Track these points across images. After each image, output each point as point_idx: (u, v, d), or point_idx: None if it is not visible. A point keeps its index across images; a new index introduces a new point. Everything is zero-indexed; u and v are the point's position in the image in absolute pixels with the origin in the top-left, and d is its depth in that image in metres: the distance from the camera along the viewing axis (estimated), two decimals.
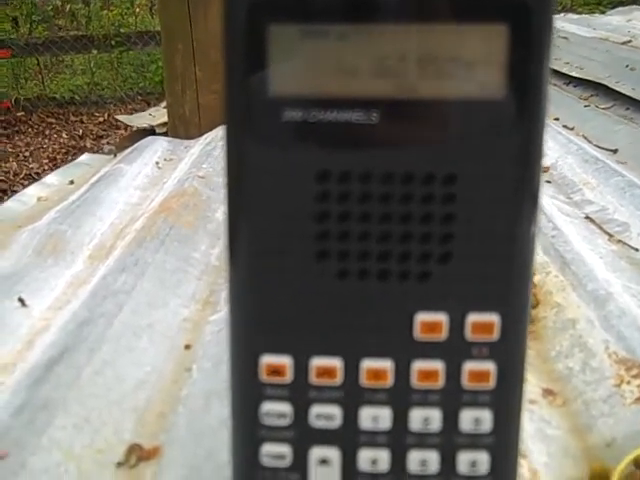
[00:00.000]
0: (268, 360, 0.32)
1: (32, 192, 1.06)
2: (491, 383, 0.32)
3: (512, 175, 0.30)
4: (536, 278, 0.64)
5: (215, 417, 0.48)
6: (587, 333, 0.54)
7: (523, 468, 0.42)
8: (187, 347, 0.58)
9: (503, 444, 0.32)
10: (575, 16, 2.92)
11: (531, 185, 0.30)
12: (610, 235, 0.75)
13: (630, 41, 1.97)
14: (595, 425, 0.46)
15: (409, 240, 0.30)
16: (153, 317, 0.61)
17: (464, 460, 0.32)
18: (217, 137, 1.20)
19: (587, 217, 0.81)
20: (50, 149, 3.83)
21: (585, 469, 0.43)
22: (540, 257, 0.68)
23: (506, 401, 0.32)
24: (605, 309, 0.57)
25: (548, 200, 0.85)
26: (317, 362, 0.32)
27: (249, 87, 0.29)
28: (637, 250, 0.70)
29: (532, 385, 0.50)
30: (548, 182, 0.96)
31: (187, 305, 0.65)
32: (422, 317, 0.31)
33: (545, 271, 0.65)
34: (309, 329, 0.31)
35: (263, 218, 0.31)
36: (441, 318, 0.31)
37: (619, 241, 0.74)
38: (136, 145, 1.23)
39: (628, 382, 0.48)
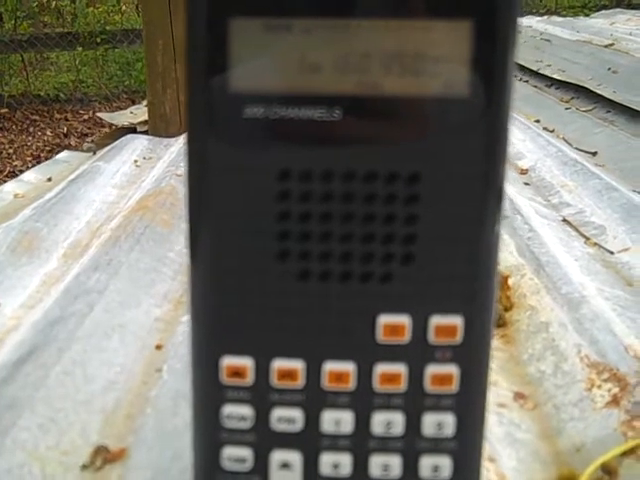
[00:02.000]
0: (229, 362, 0.31)
1: (9, 189, 1.05)
2: (454, 387, 0.31)
3: (477, 174, 0.30)
4: (511, 280, 0.64)
5: (183, 419, 0.47)
6: (560, 336, 0.54)
7: (490, 472, 0.42)
8: (158, 347, 0.57)
9: (466, 448, 0.32)
10: (559, 19, 2.94)
11: (496, 184, 0.30)
12: (586, 238, 0.75)
13: (613, 44, 1.98)
14: (565, 429, 0.46)
15: (371, 241, 0.30)
16: (125, 317, 0.61)
17: (427, 464, 0.32)
18: None
19: (564, 220, 0.81)
20: (34, 147, 3.81)
21: (554, 474, 0.43)
22: (515, 259, 0.68)
23: (469, 405, 0.32)
24: (578, 312, 0.56)
25: (526, 202, 0.85)
26: (279, 364, 0.31)
27: (210, 83, 0.29)
28: (612, 253, 0.70)
29: (503, 389, 0.50)
30: (527, 184, 0.96)
31: (160, 305, 0.64)
32: (385, 319, 0.31)
33: (520, 273, 0.65)
34: (270, 330, 0.31)
35: (224, 217, 0.30)
36: (404, 320, 0.31)
37: (595, 244, 0.74)
38: (115, 143, 1.22)
39: (599, 386, 0.48)
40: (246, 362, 0.31)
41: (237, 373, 0.31)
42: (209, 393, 0.32)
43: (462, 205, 0.30)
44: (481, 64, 0.28)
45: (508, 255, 0.70)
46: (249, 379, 0.31)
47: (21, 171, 3.36)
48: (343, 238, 0.30)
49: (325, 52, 0.28)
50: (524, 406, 0.48)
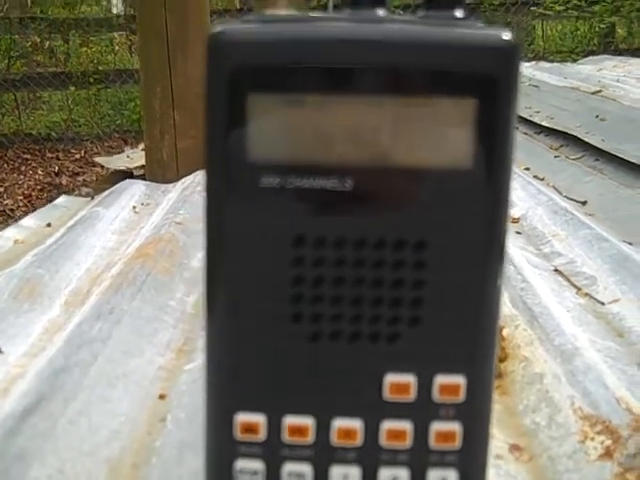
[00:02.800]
0: (243, 418, 0.33)
1: (9, 235, 1.06)
2: (457, 443, 0.33)
3: (480, 240, 0.31)
4: (505, 331, 0.65)
5: (188, 468, 0.48)
6: (554, 388, 0.56)
7: None
8: (162, 397, 0.58)
9: None
10: (547, 64, 2.99)
11: (498, 248, 0.32)
12: (578, 288, 0.77)
13: (600, 91, 2.02)
14: None
15: (380, 304, 0.31)
16: (128, 366, 0.62)
17: None
18: (194, 182, 1.21)
19: (556, 269, 0.83)
20: (25, 185, 3.82)
21: None
22: (509, 310, 0.70)
23: (471, 461, 0.33)
24: (571, 364, 0.58)
25: (518, 252, 0.87)
26: (290, 421, 0.32)
27: (228, 152, 0.31)
28: (603, 304, 0.72)
29: (499, 440, 0.51)
30: (518, 233, 0.98)
31: (162, 354, 0.65)
32: (391, 378, 0.32)
33: (514, 324, 0.67)
34: (282, 388, 0.32)
35: (240, 280, 0.32)
36: (410, 379, 0.32)
37: (586, 294, 0.75)
38: (113, 188, 1.23)
39: (592, 438, 0.49)
40: (259, 418, 0.33)
41: (250, 429, 0.33)
42: (222, 448, 0.33)
43: (466, 269, 0.31)
44: (484, 138, 0.30)
45: (502, 306, 0.71)
46: (261, 435, 0.33)
47: (12, 210, 3.36)
48: (354, 301, 0.31)
49: (337, 125, 0.30)
50: (520, 458, 0.50)
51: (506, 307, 0.71)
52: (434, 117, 0.30)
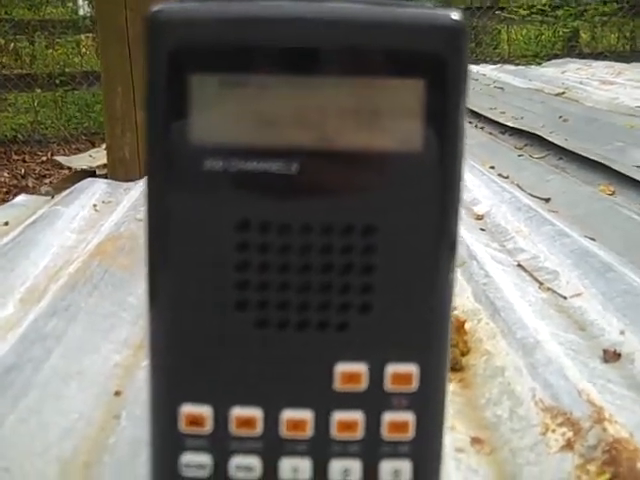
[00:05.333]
0: (188, 410, 0.32)
1: None
2: (410, 434, 0.32)
3: (431, 225, 0.31)
4: (467, 325, 0.65)
5: (142, 466, 0.47)
6: (515, 381, 0.55)
7: None
8: (117, 393, 0.57)
9: None
10: (512, 67, 3.01)
11: (449, 234, 0.31)
12: (540, 283, 0.77)
13: (564, 92, 2.04)
14: (521, 474, 0.46)
15: (329, 291, 0.30)
16: (83, 363, 0.60)
17: None
18: None
19: (519, 265, 0.83)
20: None
21: None
22: (472, 304, 0.69)
23: (425, 451, 0.32)
24: (533, 357, 0.58)
25: (481, 248, 0.86)
26: (237, 412, 0.31)
27: (170, 136, 0.30)
28: (565, 298, 0.72)
29: (461, 433, 0.51)
30: (482, 230, 0.97)
31: (119, 351, 0.64)
32: (342, 367, 0.31)
33: (477, 318, 0.66)
34: (229, 379, 0.31)
35: (184, 266, 0.31)
36: (360, 368, 0.31)
37: (548, 289, 0.75)
38: (74, 187, 1.21)
39: (553, 430, 0.49)
40: (205, 410, 0.31)
41: (196, 421, 0.32)
42: (167, 441, 0.32)
43: (417, 255, 0.31)
44: (433, 120, 0.30)
45: (465, 300, 0.71)
46: (208, 427, 0.32)
47: None
48: (301, 288, 0.30)
49: (282, 107, 0.29)
50: (481, 451, 0.49)
51: (469, 301, 0.70)
52: (381, 98, 0.30)
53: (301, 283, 0.30)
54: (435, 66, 0.29)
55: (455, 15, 0.29)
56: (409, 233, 0.30)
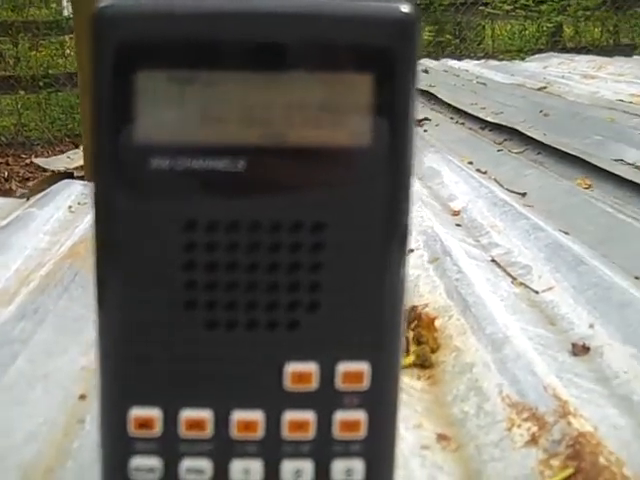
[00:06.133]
0: (137, 413, 0.31)
1: None
2: (362, 433, 0.31)
3: (380, 221, 0.30)
4: (438, 322, 0.65)
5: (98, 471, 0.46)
6: (483, 377, 0.55)
7: None
8: (82, 397, 0.56)
9: None
10: (495, 63, 3.02)
11: (399, 229, 0.31)
12: (513, 278, 0.77)
13: (545, 87, 2.04)
14: (486, 470, 0.46)
15: (277, 289, 0.30)
16: (49, 366, 0.60)
17: None
18: None
19: (493, 260, 0.83)
20: None
21: None
22: (444, 301, 0.69)
23: (378, 450, 0.32)
24: (501, 352, 0.57)
25: (456, 243, 0.86)
26: (187, 414, 0.31)
27: (115, 134, 0.29)
28: (537, 292, 0.72)
29: (427, 430, 0.51)
30: (458, 225, 0.97)
31: (86, 353, 0.63)
32: (292, 367, 0.31)
33: (447, 315, 0.66)
34: (178, 380, 0.31)
35: (131, 267, 0.30)
36: (311, 368, 0.31)
37: (521, 283, 0.75)
38: (50, 189, 1.21)
39: (519, 425, 0.48)
40: (154, 413, 0.31)
41: (145, 424, 0.31)
42: (117, 445, 0.32)
43: (366, 252, 0.30)
44: (383, 114, 0.29)
45: (437, 297, 0.71)
46: (157, 430, 0.31)
47: None
48: (249, 287, 0.30)
49: (228, 104, 0.29)
50: (447, 448, 0.49)
51: (441, 298, 0.70)
52: (329, 93, 0.29)
53: (249, 282, 0.30)
54: (383, 60, 0.29)
55: (405, 7, 0.29)
56: (359, 229, 0.30)
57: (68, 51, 5.37)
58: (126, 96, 0.29)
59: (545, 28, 5.17)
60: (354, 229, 0.30)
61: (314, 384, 0.31)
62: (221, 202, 0.30)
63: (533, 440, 0.47)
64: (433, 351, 0.60)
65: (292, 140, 0.29)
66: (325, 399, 0.31)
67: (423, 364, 0.59)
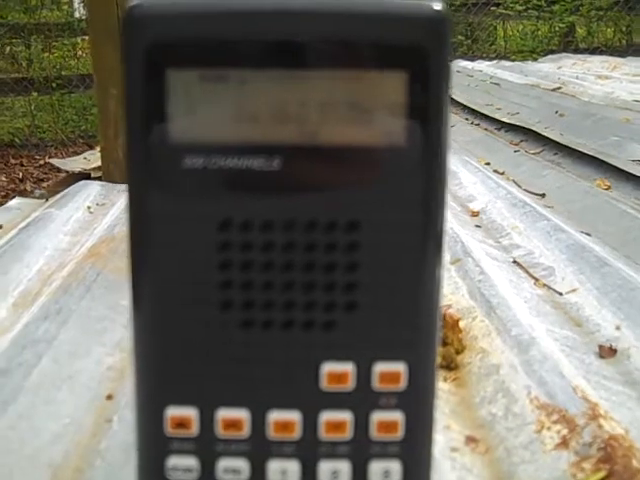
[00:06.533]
0: (173, 412, 0.31)
1: None
2: (399, 434, 0.31)
3: (416, 220, 0.30)
4: (462, 323, 0.64)
5: (133, 470, 0.46)
6: (510, 378, 0.55)
7: None
8: (109, 397, 0.56)
9: None
10: (508, 63, 3.01)
11: (434, 230, 0.30)
12: (536, 279, 0.76)
13: (560, 88, 2.03)
14: (516, 473, 0.46)
15: (313, 289, 0.30)
16: (74, 367, 0.60)
17: None
18: None
19: (514, 261, 0.82)
20: None
21: None
22: (467, 302, 0.69)
23: (415, 451, 0.32)
24: (528, 354, 0.57)
25: (477, 244, 0.86)
26: (223, 414, 0.31)
27: (149, 134, 0.29)
28: (561, 294, 0.72)
29: (455, 432, 0.50)
30: (478, 226, 0.97)
31: (112, 354, 0.63)
32: (328, 367, 0.31)
33: (471, 316, 0.66)
34: (215, 380, 0.31)
35: (166, 267, 0.30)
36: (347, 368, 0.31)
37: (544, 285, 0.75)
38: (68, 190, 1.21)
39: (548, 428, 0.48)
40: (191, 413, 0.31)
41: (182, 424, 0.31)
42: (154, 445, 0.32)
43: (402, 252, 0.30)
44: (417, 113, 0.29)
45: (460, 298, 0.70)
46: (194, 430, 0.31)
47: None
48: (284, 287, 0.30)
49: (262, 102, 0.29)
50: (476, 450, 0.49)
51: (464, 299, 0.70)
52: (364, 92, 0.29)
53: (285, 282, 0.30)
54: (417, 58, 0.29)
55: (437, 5, 0.29)
56: (394, 229, 0.30)
57: (80, 52, 5.39)
58: (158, 95, 0.29)
59: (557, 28, 5.15)
60: (389, 229, 0.30)
61: (350, 384, 0.31)
62: (256, 201, 0.30)
63: (564, 443, 0.46)
64: (458, 352, 0.60)
65: (326, 139, 0.29)
66: (362, 399, 0.31)
67: (449, 366, 0.58)
